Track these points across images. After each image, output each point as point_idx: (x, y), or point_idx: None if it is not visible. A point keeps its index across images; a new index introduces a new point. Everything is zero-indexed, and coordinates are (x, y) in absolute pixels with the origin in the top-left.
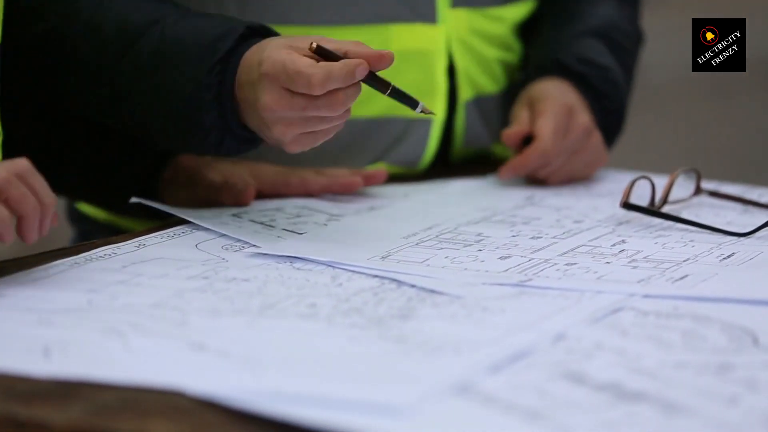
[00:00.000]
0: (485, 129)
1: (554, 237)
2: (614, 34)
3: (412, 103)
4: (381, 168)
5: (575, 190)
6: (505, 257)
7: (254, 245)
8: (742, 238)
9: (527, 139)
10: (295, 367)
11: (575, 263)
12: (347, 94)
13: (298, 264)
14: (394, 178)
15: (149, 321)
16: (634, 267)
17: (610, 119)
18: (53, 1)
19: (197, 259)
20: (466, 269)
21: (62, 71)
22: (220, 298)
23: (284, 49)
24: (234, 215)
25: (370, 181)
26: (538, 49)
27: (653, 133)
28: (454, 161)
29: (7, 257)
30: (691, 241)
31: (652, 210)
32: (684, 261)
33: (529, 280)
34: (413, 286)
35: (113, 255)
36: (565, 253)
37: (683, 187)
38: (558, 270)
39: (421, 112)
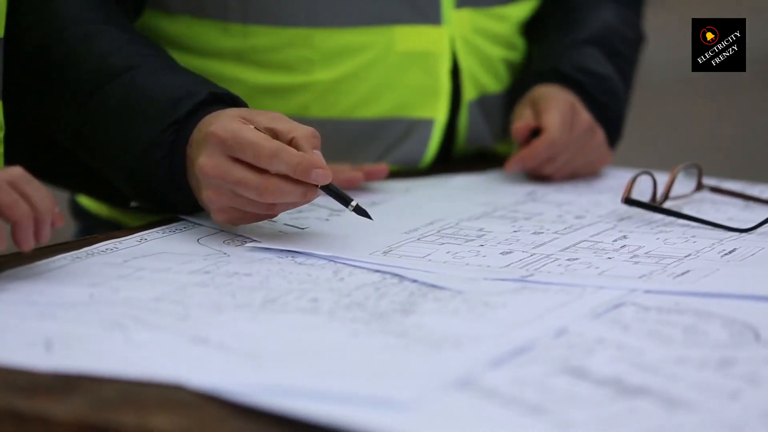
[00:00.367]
0: (488, 128)
1: (556, 232)
2: (613, 40)
3: (345, 202)
4: (382, 164)
5: (577, 185)
6: (507, 252)
7: (256, 240)
8: (743, 234)
9: (534, 135)
10: (296, 361)
11: (577, 258)
12: (282, 189)
13: (300, 259)
14: (396, 175)
15: (151, 315)
16: (636, 262)
17: (607, 127)
18: (42, 19)
19: (199, 254)
20: (467, 264)
21: (45, 92)
22: (222, 292)
23: (239, 120)
24: None
25: (372, 176)
26: (538, 56)
27: (654, 131)
28: (456, 158)
29: (9, 251)
30: (693, 236)
31: (653, 206)
32: (685, 256)
33: (531, 275)
34: (415, 281)
35: (115, 249)
36: (566, 249)
37: (685, 183)
38: (560, 265)
39: (353, 210)
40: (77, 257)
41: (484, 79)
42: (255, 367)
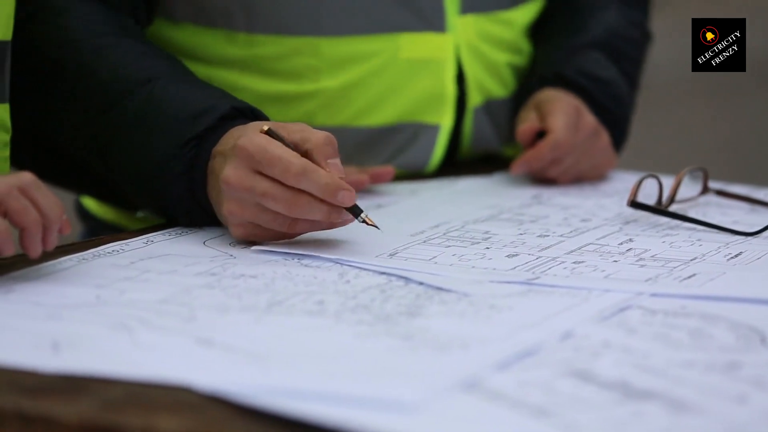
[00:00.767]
0: (494, 132)
1: (562, 235)
2: (617, 42)
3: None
4: (388, 166)
5: (582, 188)
6: (513, 255)
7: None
8: (749, 238)
9: (539, 137)
10: (302, 363)
11: (583, 261)
12: (311, 205)
13: (306, 261)
14: (402, 178)
15: (157, 316)
16: (642, 266)
17: (612, 131)
18: (54, 33)
19: (205, 256)
20: (473, 267)
21: (57, 105)
22: (228, 294)
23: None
24: None
25: (378, 179)
26: (542, 60)
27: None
28: (462, 161)
29: (16, 253)
30: (699, 240)
31: (659, 209)
32: (691, 260)
33: (537, 278)
34: (421, 283)
35: (121, 251)
36: (572, 252)
37: (690, 186)
38: (565, 268)
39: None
40: (84, 259)
41: (489, 84)
42: (261, 368)
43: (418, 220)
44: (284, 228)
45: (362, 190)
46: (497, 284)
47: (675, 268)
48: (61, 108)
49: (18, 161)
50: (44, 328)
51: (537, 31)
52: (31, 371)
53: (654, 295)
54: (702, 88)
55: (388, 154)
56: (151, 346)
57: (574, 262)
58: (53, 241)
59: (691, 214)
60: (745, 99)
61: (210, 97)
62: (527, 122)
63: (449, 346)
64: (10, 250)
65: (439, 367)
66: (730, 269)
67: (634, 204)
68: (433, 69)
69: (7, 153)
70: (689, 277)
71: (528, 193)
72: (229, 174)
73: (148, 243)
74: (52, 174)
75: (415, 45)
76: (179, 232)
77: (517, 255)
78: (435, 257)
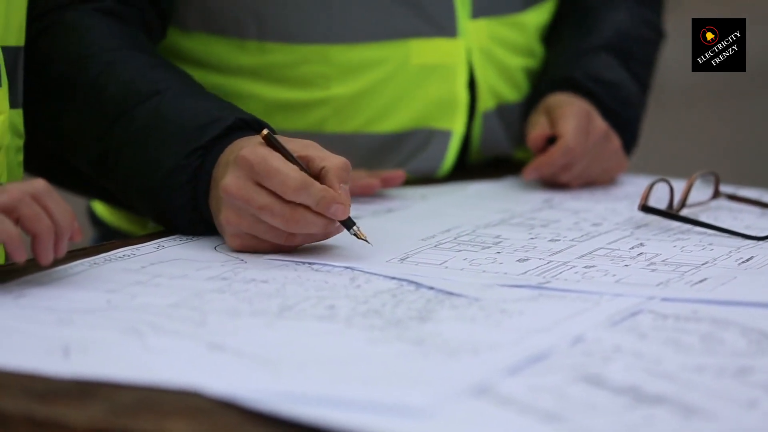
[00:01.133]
0: (506, 136)
1: (572, 240)
2: (628, 43)
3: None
4: (398, 170)
5: (593, 193)
6: (524, 260)
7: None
8: (760, 242)
9: (550, 143)
10: (313, 368)
11: (594, 266)
12: (307, 219)
13: (317, 266)
14: (412, 182)
15: (168, 321)
16: (653, 270)
17: (623, 134)
18: (66, 48)
19: (216, 260)
20: (484, 271)
21: (69, 120)
22: (239, 299)
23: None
24: None
25: (388, 183)
26: (552, 63)
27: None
28: (472, 165)
29: (27, 258)
30: (710, 244)
31: (670, 213)
32: (703, 264)
33: (548, 282)
34: (432, 288)
35: (132, 256)
36: (583, 256)
37: (702, 190)
38: (576, 273)
39: (354, 235)
40: (95, 263)
41: (502, 88)
42: (272, 373)
43: (429, 225)
44: (281, 240)
45: (373, 194)
46: (508, 289)
47: (686, 272)
48: (72, 121)
49: (30, 167)
50: (55, 333)
51: (549, 33)
52: (42, 376)
53: (665, 299)
54: (714, 91)
55: (400, 160)
56: (162, 351)
57: (585, 267)
58: (64, 249)
59: (703, 219)
60: (756, 102)
61: (217, 109)
62: (537, 127)
63: (460, 350)
64: (23, 256)
65: (449, 371)
66: (742, 274)
67: (645, 208)
68: (445, 74)
69: (20, 158)
70: (700, 281)
71: (539, 197)
72: (230, 183)
73: (159, 248)
74: (63, 180)
75: (425, 51)
76: (190, 237)
77: (528, 259)
78: (446, 262)
